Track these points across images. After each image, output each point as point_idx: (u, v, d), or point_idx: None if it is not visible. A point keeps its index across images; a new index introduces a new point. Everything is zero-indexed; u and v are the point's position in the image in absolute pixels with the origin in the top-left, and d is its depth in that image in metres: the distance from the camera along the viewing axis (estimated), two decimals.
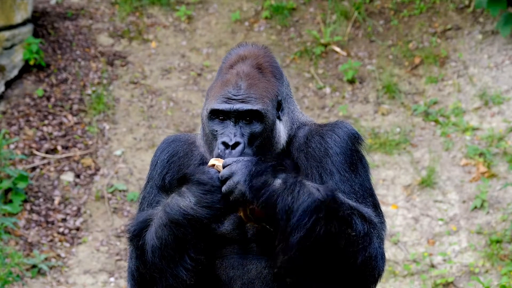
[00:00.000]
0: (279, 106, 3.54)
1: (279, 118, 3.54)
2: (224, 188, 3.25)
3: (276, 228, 3.24)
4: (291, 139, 3.59)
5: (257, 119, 3.44)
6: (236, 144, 3.39)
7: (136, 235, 3.41)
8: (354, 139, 3.52)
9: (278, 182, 3.21)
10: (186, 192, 3.29)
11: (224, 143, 3.39)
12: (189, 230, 3.27)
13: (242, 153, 3.37)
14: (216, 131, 3.44)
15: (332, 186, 3.33)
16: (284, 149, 3.56)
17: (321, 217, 3.18)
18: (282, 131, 3.55)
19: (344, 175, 3.45)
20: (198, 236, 3.28)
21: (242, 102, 3.42)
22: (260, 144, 3.46)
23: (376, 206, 3.51)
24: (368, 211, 3.39)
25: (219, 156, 3.38)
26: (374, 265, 3.35)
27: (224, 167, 3.28)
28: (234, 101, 3.42)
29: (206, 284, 3.45)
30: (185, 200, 3.27)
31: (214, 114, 3.45)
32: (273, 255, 3.27)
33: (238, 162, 3.26)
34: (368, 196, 3.49)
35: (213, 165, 3.32)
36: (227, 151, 3.37)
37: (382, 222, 3.50)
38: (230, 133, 3.41)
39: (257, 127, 3.44)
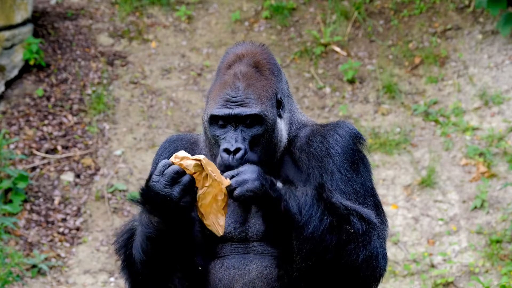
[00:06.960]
0: (279, 104, 3.56)
1: (279, 116, 3.56)
2: (232, 183, 3.28)
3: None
4: (292, 139, 3.61)
5: (257, 122, 3.46)
6: (237, 150, 3.41)
7: (124, 246, 3.51)
8: (356, 138, 3.53)
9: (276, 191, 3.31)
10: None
11: (226, 150, 3.42)
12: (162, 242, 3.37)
13: (243, 159, 3.40)
14: (218, 136, 3.47)
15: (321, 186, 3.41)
16: (286, 147, 3.57)
17: (324, 207, 3.27)
18: (283, 129, 3.56)
19: (345, 175, 3.46)
20: (175, 243, 3.36)
21: (241, 105, 3.45)
22: (263, 144, 3.48)
23: (377, 206, 3.52)
24: (367, 211, 3.40)
25: (223, 164, 3.40)
26: (375, 265, 3.36)
27: (232, 177, 3.29)
28: (232, 104, 3.45)
29: (206, 284, 3.47)
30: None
31: (214, 120, 3.48)
32: (284, 257, 3.33)
33: (245, 173, 3.28)
34: (369, 196, 3.50)
35: (183, 158, 3.30)
36: (230, 158, 3.40)
37: (383, 222, 3.51)
38: (231, 138, 3.44)
39: (258, 130, 3.47)
